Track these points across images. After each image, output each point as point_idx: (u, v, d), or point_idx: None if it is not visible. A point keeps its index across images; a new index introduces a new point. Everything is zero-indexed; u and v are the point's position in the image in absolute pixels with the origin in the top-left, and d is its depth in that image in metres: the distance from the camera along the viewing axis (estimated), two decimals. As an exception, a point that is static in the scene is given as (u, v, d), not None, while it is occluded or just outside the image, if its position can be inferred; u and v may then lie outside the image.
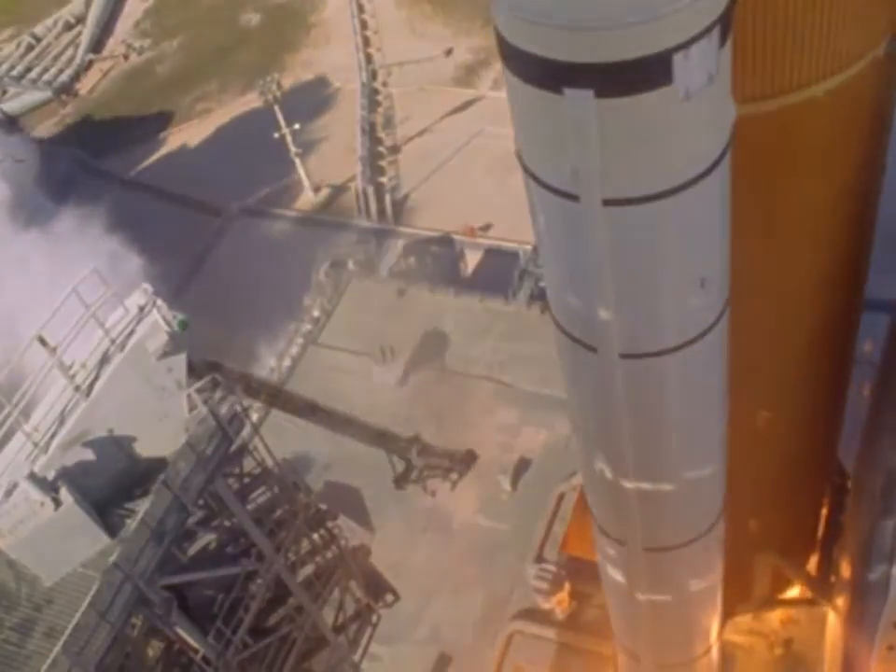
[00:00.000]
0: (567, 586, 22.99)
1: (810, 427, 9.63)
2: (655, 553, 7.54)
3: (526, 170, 6.49)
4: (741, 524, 9.76)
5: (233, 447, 12.71)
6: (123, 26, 60.63)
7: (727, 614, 12.19)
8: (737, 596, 11.45)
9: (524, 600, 23.68)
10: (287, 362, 32.72)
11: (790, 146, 8.38)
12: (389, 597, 17.22)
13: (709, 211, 6.56)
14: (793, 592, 20.94)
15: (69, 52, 58.16)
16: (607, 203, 6.01)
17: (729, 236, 7.03)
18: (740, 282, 7.49)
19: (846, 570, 10.47)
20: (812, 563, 12.74)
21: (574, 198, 6.06)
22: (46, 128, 53.12)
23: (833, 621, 12.27)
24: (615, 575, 8.64)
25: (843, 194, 9.04)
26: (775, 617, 20.44)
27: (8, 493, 11.59)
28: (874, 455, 9.03)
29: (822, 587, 11.96)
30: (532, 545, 24.76)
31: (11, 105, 54.97)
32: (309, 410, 21.31)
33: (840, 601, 11.16)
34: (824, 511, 11.96)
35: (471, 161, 41.26)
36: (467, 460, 27.61)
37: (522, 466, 27.30)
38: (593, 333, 7.08)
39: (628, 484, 7.17)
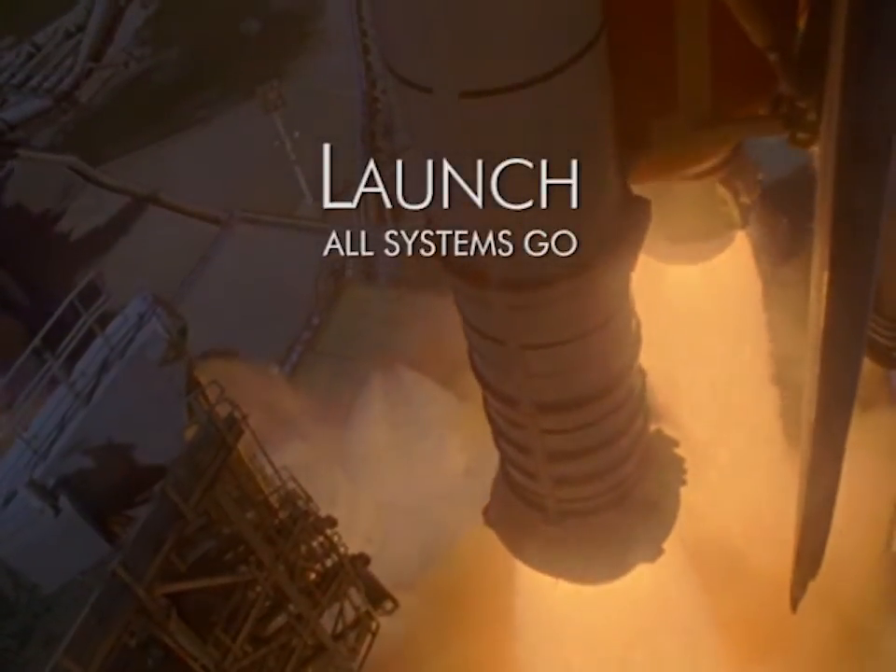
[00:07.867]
0: None
1: None
2: None
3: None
4: None
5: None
6: (124, 35, 60.72)
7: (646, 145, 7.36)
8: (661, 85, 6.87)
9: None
10: (286, 369, 32.72)
11: None
12: (389, 605, 17.19)
13: None
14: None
15: (69, 61, 58.23)
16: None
17: None
18: None
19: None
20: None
21: None
22: (46, 136, 53.17)
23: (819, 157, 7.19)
24: None
25: None
26: None
27: (7, 500, 11.59)
28: None
29: (805, 82, 6.94)
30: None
31: (11, 114, 55.01)
32: None
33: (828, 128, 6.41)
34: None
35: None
36: None
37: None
38: None
39: None
